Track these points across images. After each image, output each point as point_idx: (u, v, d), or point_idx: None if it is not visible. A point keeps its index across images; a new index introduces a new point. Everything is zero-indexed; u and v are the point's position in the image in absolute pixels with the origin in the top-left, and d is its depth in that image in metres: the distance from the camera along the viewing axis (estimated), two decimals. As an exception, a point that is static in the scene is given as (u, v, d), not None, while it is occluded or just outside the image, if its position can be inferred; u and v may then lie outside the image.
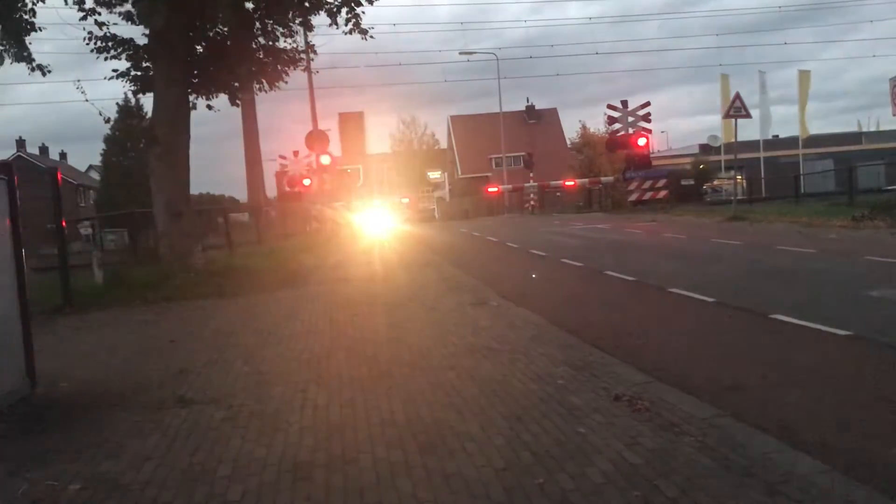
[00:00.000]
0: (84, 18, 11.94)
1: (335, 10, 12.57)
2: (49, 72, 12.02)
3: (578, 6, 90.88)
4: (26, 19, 11.41)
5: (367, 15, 12.89)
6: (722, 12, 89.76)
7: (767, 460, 3.17)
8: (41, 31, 11.61)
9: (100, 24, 12.10)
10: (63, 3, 11.82)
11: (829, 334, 5.65)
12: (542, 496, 2.95)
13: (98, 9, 11.91)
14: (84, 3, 11.84)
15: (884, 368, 4.78)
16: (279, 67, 13.32)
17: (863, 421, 3.82)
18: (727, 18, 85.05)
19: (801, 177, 31.89)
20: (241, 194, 33.68)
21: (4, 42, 11.43)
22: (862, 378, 4.61)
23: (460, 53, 45.29)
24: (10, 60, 11.56)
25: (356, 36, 12.87)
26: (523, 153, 48.37)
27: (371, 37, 13.00)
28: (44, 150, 57.27)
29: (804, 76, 39.54)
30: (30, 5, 11.38)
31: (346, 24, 12.69)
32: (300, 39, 14.24)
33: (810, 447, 3.36)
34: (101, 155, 41.22)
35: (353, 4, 12.58)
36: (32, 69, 11.80)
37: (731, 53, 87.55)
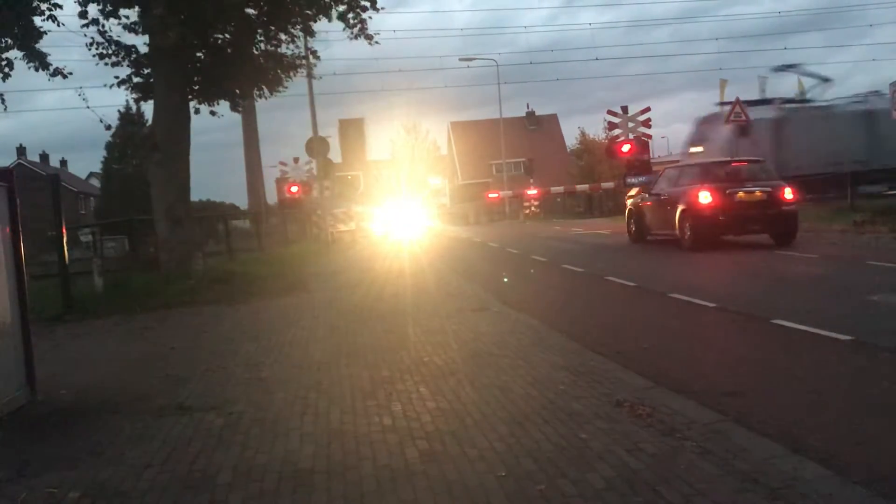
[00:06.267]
0: (86, 26, 11.98)
1: (347, 12, 12.58)
2: (70, 74, 12.06)
3: (595, 13, 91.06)
4: (36, 27, 11.45)
5: (375, 22, 12.95)
6: (732, 16, 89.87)
7: (770, 465, 3.15)
8: (48, 34, 11.67)
9: (101, 33, 12.14)
10: (73, 11, 11.89)
11: (831, 339, 5.64)
12: (544, 502, 2.94)
13: (101, 19, 11.96)
14: (87, 13, 11.88)
15: (885, 373, 4.77)
16: (280, 73, 13.35)
17: (865, 425, 3.81)
18: (733, 25, 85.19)
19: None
20: (242, 201, 33.78)
21: (20, 49, 11.49)
22: (863, 382, 4.60)
23: (460, 59, 45.27)
24: (31, 67, 11.62)
25: (356, 44, 12.97)
26: (524, 159, 48.42)
27: (376, 42, 13.05)
28: (44, 157, 57.34)
29: (801, 82, 39.69)
30: (46, 12, 11.45)
31: (351, 29, 12.73)
32: (301, 45, 14.28)
33: (813, 452, 3.35)
34: (102, 162, 41.31)
35: (358, 10, 12.62)
36: (52, 74, 11.84)
37: (736, 59, 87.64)
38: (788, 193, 13.33)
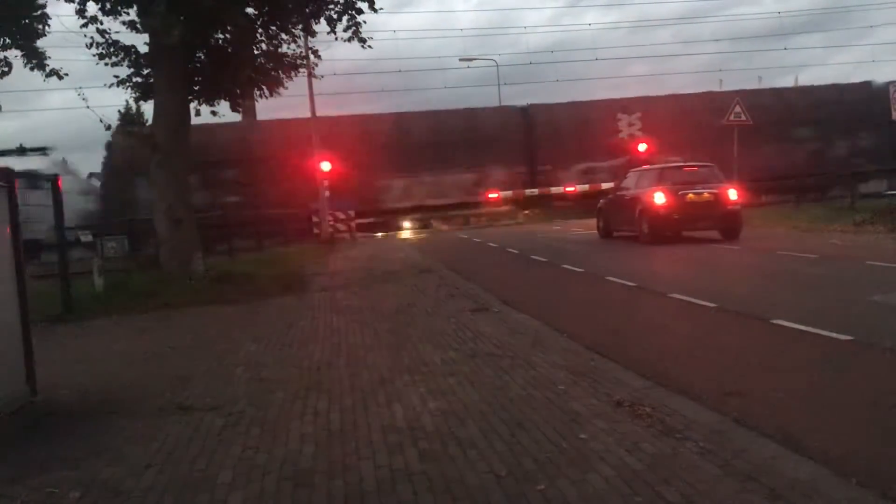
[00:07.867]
0: (85, 26, 11.99)
1: (336, 17, 12.56)
2: (66, 75, 12.07)
3: (598, 13, 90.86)
4: (35, 27, 11.48)
5: (378, 23, 12.95)
6: (733, 17, 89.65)
7: (769, 466, 3.16)
8: (47, 35, 11.70)
9: (101, 32, 12.14)
10: (72, 10, 11.90)
11: (831, 339, 5.64)
12: (544, 502, 2.94)
13: (100, 17, 11.97)
14: (85, 10, 11.89)
15: (885, 373, 4.77)
16: (280, 73, 13.35)
17: (865, 426, 3.81)
18: (735, 26, 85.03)
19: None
20: (242, 201, 33.65)
21: (17, 48, 11.52)
22: (863, 383, 4.60)
23: (460, 60, 45.30)
24: (28, 67, 11.65)
25: (357, 45, 12.91)
26: (523, 159, 48.22)
27: (369, 46, 13.00)
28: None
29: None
30: (39, 11, 11.47)
31: (344, 31, 12.69)
32: (302, 44, 14.27)
33: (812, 452, 3.35)
34: (102, 162, 41.17)
35: (353, 12, 12.59)
36: (48, 75, 11.85)
37: (737, 60, 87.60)
38: (733, 195, 14.96)
